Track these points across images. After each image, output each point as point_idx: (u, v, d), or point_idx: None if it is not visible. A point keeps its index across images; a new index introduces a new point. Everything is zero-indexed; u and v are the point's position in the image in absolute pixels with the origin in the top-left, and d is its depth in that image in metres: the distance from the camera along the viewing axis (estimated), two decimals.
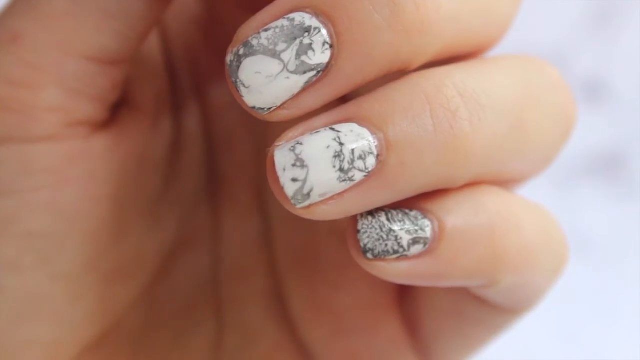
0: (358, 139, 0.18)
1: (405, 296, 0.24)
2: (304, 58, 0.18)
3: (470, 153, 0.19)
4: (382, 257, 0.19)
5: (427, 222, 0.19)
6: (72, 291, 0.23)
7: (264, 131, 0.25)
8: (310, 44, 0.18)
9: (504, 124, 0.20)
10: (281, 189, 0.18)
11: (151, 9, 0.21)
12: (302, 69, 0.18)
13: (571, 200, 0.51)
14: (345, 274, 0.24)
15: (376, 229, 0.19)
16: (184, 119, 0.25)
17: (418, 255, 0.19)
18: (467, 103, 0.19)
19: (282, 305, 0.25)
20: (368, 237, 0.19)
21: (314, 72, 0.18)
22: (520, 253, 0.20)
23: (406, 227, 0.19)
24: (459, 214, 0.20)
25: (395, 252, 0.19)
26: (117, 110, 0.23)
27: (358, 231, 0.19)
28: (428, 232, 0.19)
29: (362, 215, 0.19)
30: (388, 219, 0.19)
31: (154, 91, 0.24)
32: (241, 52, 0.18)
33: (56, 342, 0.23)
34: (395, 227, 0.19)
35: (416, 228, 0.19)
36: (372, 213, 0.19)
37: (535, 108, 0.21)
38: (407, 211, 0.19)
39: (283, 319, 0.25)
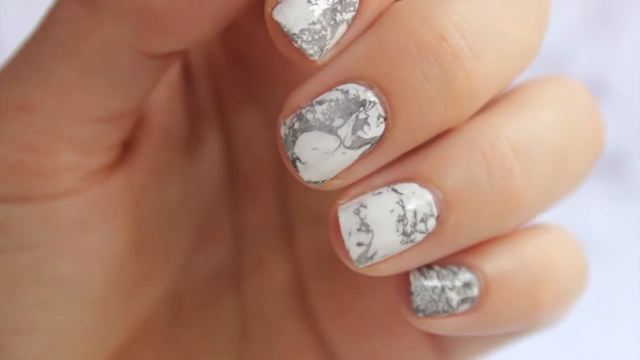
0: (420, 201, 0.19)
1: None
2: (359, 133, 0.18)
3: (522, 206, 0.20)
4: (432, 315, 0.20)
5: (474, 280, 0.20)
6: (99, 311, 0.23)
7: None
8: (366, 119, 0.18)
9: (551, 169, 0.20)
10: (346, 251, 0.19)
11: (158, 71, 0.21)
12: (358, 143, 0.19)
13: (571, 200, 0.51)
14: (368, 277, 0.25)
15: (429, 291, 0.20)
16: (201, 123, 0.25)
17: (465, 312, 0.20)
18: (520, 157, 0.20)
19: (304, 301, 0.25)
20: (421, 299, 0.20)
21: (368, 145, 0.19)
22: (557, 300, 0.21)
23: (456, 287, 0.20)
24: (503, 270, 0.20)
25: (445, 311, 0.20)
26: (129, 140, 0.23)
27: (411, 293, 0.20)
28: (475, 292, 0.20)
29: (414, 276, 0.20)
30: (439, 279, 0.20)
31: (169, 105, 0.24)
32: (296, 126, 0.19)
33: (87, 357, 0.23)
34: (447, 289, 0.20)
35: (465, 288, 0.20)
36: (423, 273, 0.20)
37: (576, 144, 0.21)
38: (455, 269, 0.20)
39: (305, 315, 0.25)
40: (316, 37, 0.18)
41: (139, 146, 0.23)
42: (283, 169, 0.25)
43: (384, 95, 0.18)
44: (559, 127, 0.21)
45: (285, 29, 0.18)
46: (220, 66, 0.25)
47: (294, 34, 0.18)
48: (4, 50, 0.43)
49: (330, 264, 0.25)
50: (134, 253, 0.23)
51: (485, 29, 0.19)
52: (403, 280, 0.20)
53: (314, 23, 0.18)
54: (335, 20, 0.18)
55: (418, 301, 0.20)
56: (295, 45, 0.18)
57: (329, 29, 0.18)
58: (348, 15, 0.19)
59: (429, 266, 0.20)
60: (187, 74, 0.25)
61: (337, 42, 0.19)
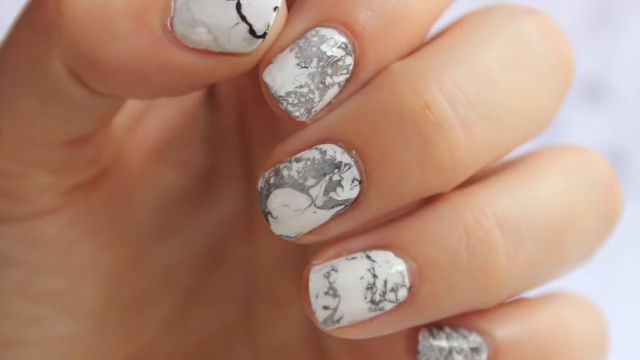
0: (391, 270, 0.19)
1: None
2: (332, 194, 0.18)
3: (502, 284, 0.19)
4: None
5: (484, 346, 0.20)
6: (96, 326, 0.23)
7: None
8: (340, 181, 0.18)
9: (542, 250, 0.20)
10: (312, 312, 0.19)
11: (115, 102, 0.20)
12: (330, 204, 0.18)
13: None
14: None
15: (435, 352, 0.20)
16: (221, 151, 0.25)
17: None
18: (506, 234, 0.19)
19: (317, 337, 0.25)
20: (427, 359, 0.20)
21: (342, 206, 0.18)
22: None
23: (464, 351, 0.20)
24: (515, 338, 0.20)
25: None
26: (116, 156, 0.23)
27: (418, 352, 0.20)
28: (483, 358, 0.20)
29: (423, 335, 0.20)
30: (448, 340, 0.20)
31: (179, 131, 0.24)
32: (271, 181, 0.19)
33: None
34: (454, 352, 0.20)
35: (473, 353, 0.20)
36: (432, 334, 0.20)
37: (579, 223, 0.20)
38: (466, 334, 0.20)
39: (316, 349, 0.25)
40: (302, 100, 0.18)
41: (128, 165, 0.23)
42: None
43: (361, 159, 0.18)
44: (558, 204, 0.20)
45: (272, 91, 0.18)
46: (249, 98, 0.25)
47: (280, 96, 0.18)
48: None
49: None
50: (130, 269, 0.23)
51: (480, 97, 0.19)
52: (411, 338, 0.20)
53: (300, 86, 0.18)
54: (324, 83, 0.18)
55: None
56: (281, 107, 0.18)
57: (317, 92, 0.18)
58: (340, 78, 0.18)
59: (440, 327, 0.20)
60: (213, 102, 0.24)
61: (329, 103, 0.19)
